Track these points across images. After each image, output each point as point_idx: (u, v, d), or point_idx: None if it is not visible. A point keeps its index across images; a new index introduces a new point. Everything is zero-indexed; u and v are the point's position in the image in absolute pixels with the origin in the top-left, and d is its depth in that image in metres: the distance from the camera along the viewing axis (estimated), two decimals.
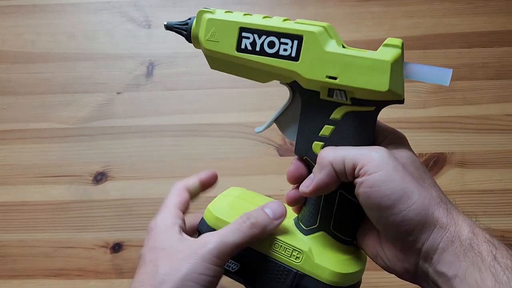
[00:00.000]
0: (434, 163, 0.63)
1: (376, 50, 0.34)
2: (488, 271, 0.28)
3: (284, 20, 0.35)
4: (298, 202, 0.39)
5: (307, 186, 0.34)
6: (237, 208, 0.40)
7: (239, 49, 0.36)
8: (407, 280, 0.33)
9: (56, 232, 0.61)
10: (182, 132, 0.67)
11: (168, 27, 0.39)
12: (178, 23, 0.39)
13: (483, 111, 0.66)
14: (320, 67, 0.34)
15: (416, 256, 0.31)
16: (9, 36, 0.74)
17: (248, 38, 0.36)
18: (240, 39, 0.36)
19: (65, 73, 0.71)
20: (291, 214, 0.41)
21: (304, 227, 0.38)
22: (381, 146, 0.34)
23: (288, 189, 0.62)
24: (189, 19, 0.39)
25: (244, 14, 0.37)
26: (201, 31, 0.37)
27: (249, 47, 0.36)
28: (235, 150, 0.65)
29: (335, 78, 0.33)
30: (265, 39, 0.35)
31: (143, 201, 0.63)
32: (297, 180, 0.38)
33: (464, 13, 0.73)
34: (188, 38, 0.39)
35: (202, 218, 0.41)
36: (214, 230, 0.39)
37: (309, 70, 0.34)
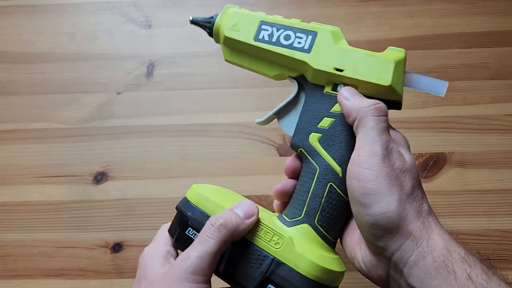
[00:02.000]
0: (434, 163, 0.63)
1: (377, 51, 0.37)
2: None
3: (301, 21, 0.40)
4: (286, 196, 0.39)
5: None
6: (222, 191, 0.40)
7: (256, 38, 0.40)
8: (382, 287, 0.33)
9: (56, 232, 0.61)
10: (182, 132, 0.67)
11: (194, 21, 0.43)
12: (203, 18, 0.43)
13: (482, 111, 0.66)
14: (329, 59, 0.37)
15: (387, 264, 0.32)
16: (9, 36, 0.74)
17: (267, 30, 0.40)
18: (259, 30, 0.40)
19: (65, 73, 0.71)
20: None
21: (287, 219, 0.37)
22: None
23: None
24: (212, 16, 0.42)
25: (266, 14, 0.41)
26: (224, 22, 0.41)
27: (266, 38, 0.39)
28: (235, 150, 0.65)
29: (341, 71, 0.37)
30: (282, 32, 0.39)
31: (143, 201, 0.63)
32: (293, 173, 0.39)
33: (464, 13, 0.73)
34: (211, 32, 0.42)
35: (185, 198, 0.39)
36: (198, 208, 0.37)
37: (319, 61, 0.37)
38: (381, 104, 0.35)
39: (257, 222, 0.36)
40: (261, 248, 0.35)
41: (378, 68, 0.36)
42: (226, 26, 0.41)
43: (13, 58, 0.73)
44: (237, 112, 0.67)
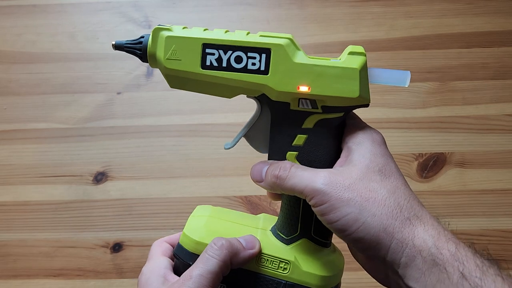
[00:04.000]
0: (434, 163, 0.63)
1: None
2: None
3: (247, 33, 0.35)
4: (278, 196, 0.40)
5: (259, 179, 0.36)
6: (214, 228, 0.39)
7: (204, 66, 0.35)
8: (385, 286, 0.34)
9: (57, 232, 0.61)
10: (182, 132, 0.67)
11: (118, 46, 0.36)
12: (130, 42, 0.36)
13: (482, 111, 0.66)
14: (291, 78, 0.34)
15: (383, 267, 0.32)
16: (9, 36, 0.74)
17: (213, 54, 0.34)
18: (204, 55, 0.34)
19: (65, 73, 0.71)
20: (268, 225, 0.40)
21: (284, 237, 0.38)
22: (346, 147, 0.35)
23: None
24: (142, 37, 0.36)
25: (204, 30, 0.35)
26: (160, 50, 0.35)
27: (215, 63, 0.34)
28: (235, 150, 0.65)
29: (307, 89, 0.34)
30: (231, 54, 0.34)
31: (143, 201, 0.63)
32: (276, 196, 0.39)
33: (464, 13, 0.73)
34: (144, 57, 0.36)
35: (179, 244, 0.39)
36: (194, 254, 0.37)
37: (280, 82, 0.34)
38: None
39: (261, 255, 0.37)
40: (272, 277, 0.37)
41: (344, 80, 0.33)
42: (163, 55, 0.35)
43: (13, 58, 0.73)
44: (237, 112, 0.67)
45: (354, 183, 0.32)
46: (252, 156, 0.65)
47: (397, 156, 0.63)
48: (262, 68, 0.34)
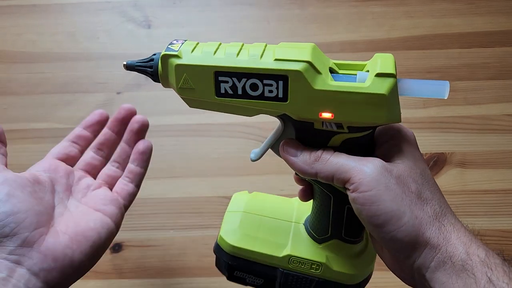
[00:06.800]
0: (434, 163, 0.63)
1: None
2: None
3: (263, 53, 0.31)
4: (308, 197, 0.40)
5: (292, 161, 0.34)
6: (248, 230, 0.40)
7: (218, 94, 0.32)
8: (410, 285, 0.34)
9: None
10: (182, 132, 0.67)
11: (129, 67, 0.34)
12: (141, 61, 0.34)
13: (483, 111, 0.66)
14: (312, 105, 0.31)
15: (410, 269, 0.31)
16: (9, 36, 0.74)
17: (227, 82, 0.32)
18: (217, 84, 0.32)
19: (65, 73, 0.71)
20: (302, 216, 0.42)
21: (317, 237, 0.39)
22: (383, 149, 0.33)
23: (287, 188, 0.62)
24: (154, 54, 0.34)
25: (216, 50, 0.32)
26: (171, 77, 0.33)
27: (230, 91, 0.32)
28: (235, 150, 0.65)
29: (330, 115, 0.31)
30: (245, 81, 0.31)
31: (143, 201, 0.63)
32: (308, 195, 0.39)
33: (464, 13, 0.73)
34: (155, 78, 0.34)
35: (217, 243, 0.42)
36: (232, 256, 0.40)
37: (301, 109, 0.31)
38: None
39: (294, 258, 0.39)
40: (305, 275, 0.39)
41: (370, 106, 0.30)
42: (176, 83, 0.33)
43: (13, 58, 0.73)
44: None
45: (404, 178, 0.31)
46: None
47: None
48: (280, 95, 0.31)
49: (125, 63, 0.34)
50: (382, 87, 0.30)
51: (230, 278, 0.42)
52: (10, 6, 0.76)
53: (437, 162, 0.63)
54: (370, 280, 0.41)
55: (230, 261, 0.40)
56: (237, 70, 0.31)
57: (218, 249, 0.41)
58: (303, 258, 0.38)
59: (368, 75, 0.31)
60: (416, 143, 0.35)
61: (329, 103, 0.30)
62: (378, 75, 0.30)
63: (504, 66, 0.69)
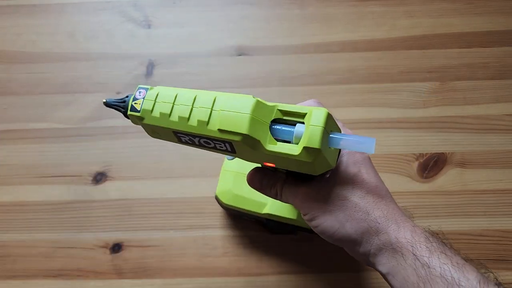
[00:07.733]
0: (434, 163, 0.63)
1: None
2: (411, 268, 0.35)
3: (209, 119, 0.36)
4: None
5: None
6: (240, 190, 0.55)
7: (181, 142, 0.40)
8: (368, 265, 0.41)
9: (56, 232, 0.61)
10: None
11: (107, 104, 0.41)
12: (116, 101, 0.41)
13: (483, 111, 0.66)
14: (256, 158, 0.37)
15: (359, 255, 0.39)
16: (9, 36, 0.74)
17: (185, 136, 0.38)
18: (178, 137, 0.39)
19: (65, 73, 0.71)
20: None
21: None
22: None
23: None
24: (127, 97, 0.40)
25: (170, 112, 0.37)
26: (142, 126, 0.40)
27: (189, 142, 0.39)
28: None
29: (272, 165, 0.38)
30: (199, 139, 0.38)
31: (143, 201, 0.63)
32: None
33: (464, 13, 0.73)
34: (126, 116, 0.41)
35: (217, 196, 0.57)
36: (229, 208, 0.56)
37: (249, 158, 0.38)
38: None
39: (272, 216, 0.53)
40: (282, 222, 0.54)
41: (302, 165, 0.35)
42: (147, 131, 0.41)
43: (13, 58, 0.73)
44: None
45: (328, 194, 0.39)
46: None
47: (398, 156, 0.63)
48: (229, 149, 0.37)
49: (104, 100, 0.41)
50: (309, 157, 0.34)
51: (229, 214, 0.59)
52: (10, 6, 0.76)
53: (437, 162, 0.63)
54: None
55: (226, 209, 0.58)
56: (190, 133, 0.37)
57: (217, 199, 0.57)
58: (278, 216, 0.52)
59: (303, 132, 0.34)
60: None
61: (269, 158, 0.36)
62: (306, 148, 0.34)
63: (503, 66, 0.69)
